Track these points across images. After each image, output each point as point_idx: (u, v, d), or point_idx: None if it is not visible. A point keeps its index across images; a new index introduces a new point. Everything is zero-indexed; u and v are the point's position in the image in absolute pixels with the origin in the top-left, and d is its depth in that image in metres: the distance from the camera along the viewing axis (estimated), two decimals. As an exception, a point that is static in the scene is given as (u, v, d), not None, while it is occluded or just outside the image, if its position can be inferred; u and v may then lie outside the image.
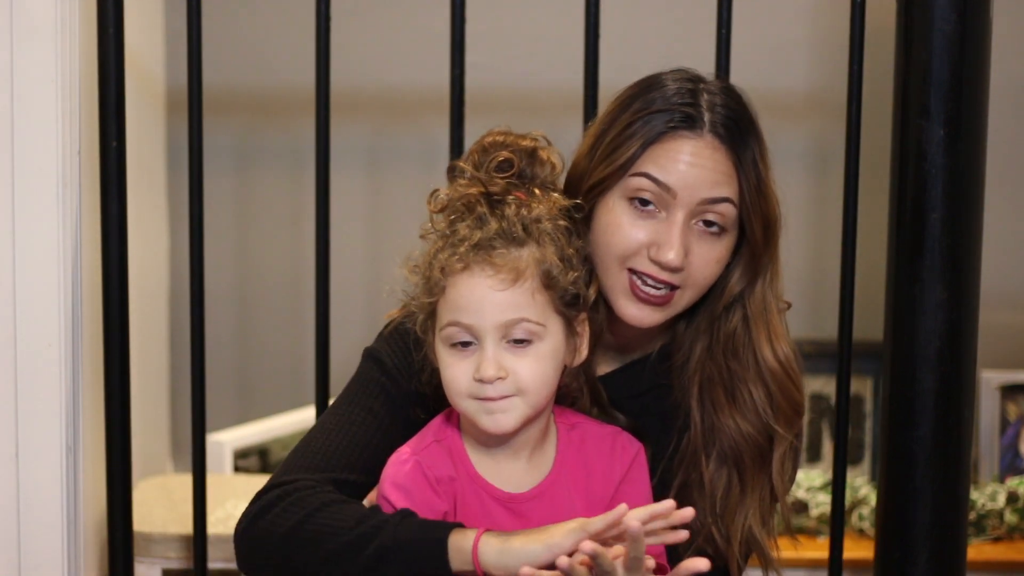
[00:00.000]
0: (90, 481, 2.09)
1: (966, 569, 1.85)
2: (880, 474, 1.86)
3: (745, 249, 1.70)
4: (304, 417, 2.89)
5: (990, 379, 2.96)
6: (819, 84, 3.00)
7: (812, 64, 3.01)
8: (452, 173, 1.66)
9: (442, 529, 1.55)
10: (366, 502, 1.66)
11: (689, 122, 1.66)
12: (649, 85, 1.71)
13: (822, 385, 2.89)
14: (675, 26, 2.96)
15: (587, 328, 1.63)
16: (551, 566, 1.49)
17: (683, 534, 1.50)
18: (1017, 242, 3.03)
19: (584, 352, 1.64)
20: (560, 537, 1.50)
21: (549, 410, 1.64)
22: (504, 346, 1.55)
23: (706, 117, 1.67)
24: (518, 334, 1.55)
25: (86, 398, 2.03)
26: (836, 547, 2.10)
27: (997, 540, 2.82)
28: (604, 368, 1.76)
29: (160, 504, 2.52)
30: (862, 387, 2.97)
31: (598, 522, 1.48)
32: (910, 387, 1.79)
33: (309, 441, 1.69)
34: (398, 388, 1.69)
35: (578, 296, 1.60)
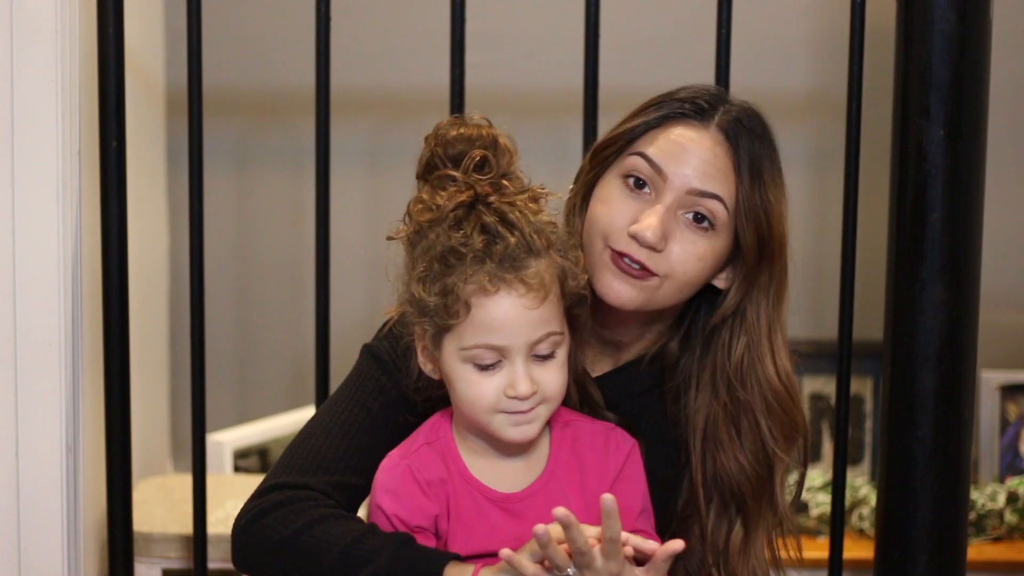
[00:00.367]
0: (90, 481, 2.09)
1: (966, 569, 1.85)
2: (880, 474, 1.86)
3: (740, 262, 1.69)
4: (304, 417, 2.87)
5: (990, 379, 2.96)
6: (819, 84, 3.00)
7: (812, 64, 3.01)
8: (426, 177, 1.60)
9: (438, 563, 1.54)
10: (364, 506, 1.66)
11: (699, 114, 1.67)
12: (679, 88, 1.72)
13: (822, 385, 2.89)
14: (675, 26, 2.97)
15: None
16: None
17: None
18: (1017, 242, 3.03)
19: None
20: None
21: None
22: (531, 360, 1.53)
23: (717, 115, 1.67)
24: (545, 349, 1.53)
25: (86, 398, 2.03)
26: (836, 547, 2.10)
27: (997, 540, 2.82)
28: (600, 369, 1.76)
29: (160, 504, 2.52)
30: (862, 387, 2.97)
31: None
32: (910, 387, 1.79)
33: (308, 438, 1.68)
34: (396, 388, 1.69)
35: (584, 297, 1.59)
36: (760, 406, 1.70)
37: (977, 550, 2.75)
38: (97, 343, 2.06)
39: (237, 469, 2.85)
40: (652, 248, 1.63)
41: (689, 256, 1.65)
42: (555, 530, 1.47)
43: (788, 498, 1.75)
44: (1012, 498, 2.81)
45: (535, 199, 1.57)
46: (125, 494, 2.07)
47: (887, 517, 1.83)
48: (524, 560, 1.49)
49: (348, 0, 2.49)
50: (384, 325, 1.74)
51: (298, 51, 2.53)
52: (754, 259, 1.67)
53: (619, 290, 1.65)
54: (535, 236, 1.52)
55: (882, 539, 1.85)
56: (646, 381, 1.75)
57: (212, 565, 2.21)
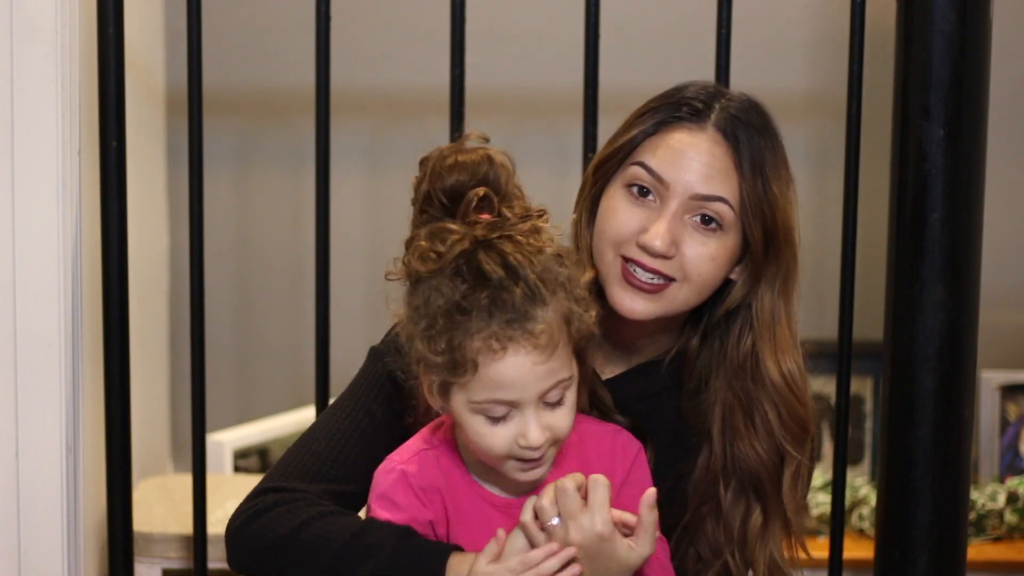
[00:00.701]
0: (90, 481, 2.09)
1: (966, 569, 1.85)
2: (880, 474, 1.86)
3: (748, 257, 1.69)
4: (304, 417, 2.89)
5: (990, 379, 2.96)
6: (819, 84, 3.00)
7: (812, 64, 3.01)
8: (423, 207, 1.54)
9: (441, 555, 1.53)
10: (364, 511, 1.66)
11: (695, 115, 1.66)
12: (675, 88, 1.72)
13: (822, 385, 2.89)
14: (675, 26, 2.96)
15: None
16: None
17: None
18: (1017, 242, 3.03)
19: None
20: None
21: None
22: (542, 406, 1.50)
23: (713, 113, 1.67)
24: (555, 396, 1.51)
25: (86, 398, 2.03)
26: (836, 547, 2.10)
27: (997, 540, 2.82)
28: (610, 371, 1.75)
29: (160, 504, 2.52)
30: (862, 387, 2.97)
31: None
32: (910, 387, 1.79)
33: (308, 443, 1.68)
34: (400, 392, 1.68)
35: (593, 334, 1.55)
36: (768, 401, 1.70)
37: (977, 550, 2.75)
38: (97, 343, 2.06)
39: (237, 469, 2.85)
40: (663, 256, 1.63)
41: (701, 258, 1.65)
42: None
43: (800, 498, 1.74)
44: (1012, 498, 2.81)
45: (537, 230, 1.53)
46: (125, 494, 2.07)
47: (887, 517, 1.83)
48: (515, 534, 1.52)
49: (348, 0, 2.49)
50: (392, 328, 1.73)
51: (298, 51, 2.53)
52: (761, 253, 1.68)
53: (633, 304, 1.65)
54: (540, 283, 1.48)
55: (882, 539, 1.85)
56: (659, 382, 1.75)
57: (212, 565, 2.21)
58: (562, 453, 1.63)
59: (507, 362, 1.47)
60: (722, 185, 1.65)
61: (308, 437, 1.69)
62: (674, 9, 2.98)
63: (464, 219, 1.51)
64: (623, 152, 1.68)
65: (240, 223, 3.07)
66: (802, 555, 1.77)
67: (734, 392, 1.71)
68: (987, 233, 1.83)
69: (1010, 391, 2.98)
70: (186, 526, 2.37)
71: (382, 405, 1.68)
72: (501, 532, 1.52)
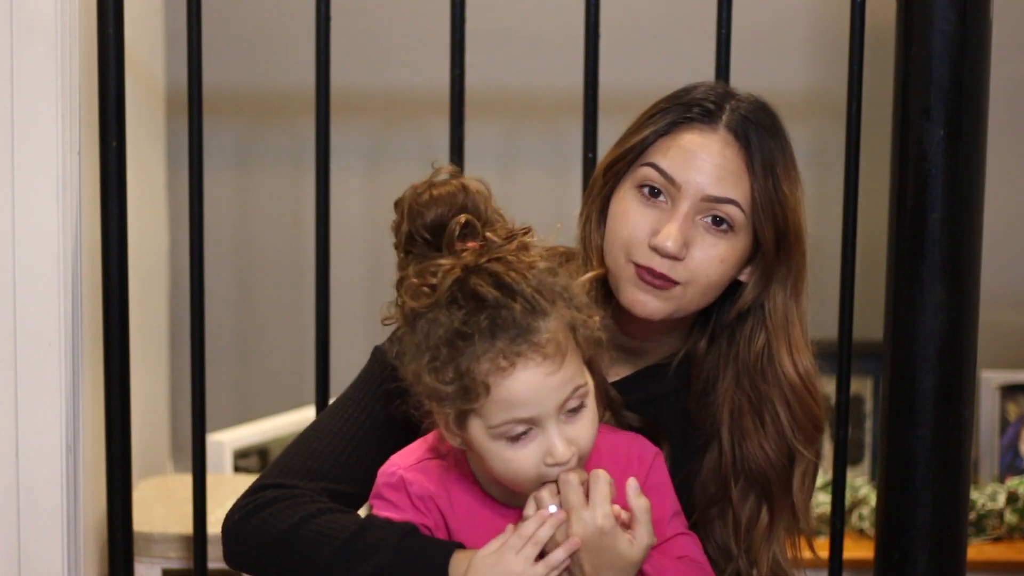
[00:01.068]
0: (90, 481, 2.09)
1: (966, 569, 1.85)
2: (880, 474, 1.86)
3: (759, 258, 1.69)
4: (304, 417, 2.89)
5: (990, 379, 2.96)
6: (819, 84, 3.00)
7: (812, 64, 3.01)
8: (407, 248, 1.54)
9: (443, 552, 1.53)
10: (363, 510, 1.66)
11: (706, 116, 1.66)
12: (684, 88, 1.71)
13: (822, 385, 2.89)
14: (675, 26, 2.97)
15: None
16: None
17: None
18: (1017, 242, 3.03)
19: None
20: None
21: None
22: (563, 419, 1.49)
23: (724, 114, 1.67)
24: (574, 404, 1.48)
25: (86, 398, 2.03)
26: (836, 547, 2.10)
27: (997, 540, 2.82)
28: (616, 374, 1.75)
29: (160, 504, 2.52)
30: (862, 387, 2.97)
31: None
32: (910, 387, 1.79)
33: (308, 442, 1.68)
34: (402, 393, 1.67)
35: (600, 340, 1.53)
36: (780, 399, 1.70)
37: (977, 550, 2.75)
38: (97, 343, 2.06)
39: (237, 469, 2.85)
40: (674, 258, 1.63)
41: (711, 260, 1.65)
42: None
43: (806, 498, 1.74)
44: (1012, 498, 2.81)
45: (525, 247, 1.51)
46: (125, 494, 2.07)
47: (887, 517, 1.83)
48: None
49: (348, 0, 2.49)
50: (398, 328, 1.72)
51: (298, 51, 2.53)
52: (773, 254, 1.68)
53: (645, 302, 1.65)
54: (538, 295, 1.46)
55: (882, 539, 1.84)
56: (666, 385, 1.75)
57: (212, 565, 2.21)
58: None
59: (518, 378, 1.45)
60: (734, 187, 1.65)
61: (308, 435, 1.69)
62: (674, 9, 2.98)
63: (450, 249, 1.50)
64: (634, 153, 1.68)
65: (240, 223, 3.07)
66: (808, 554, 1.77)
67: (743, 392, 1.71)
68: (987, 233, 1.83)
69: (1010, 391, 2.99)
70: (186, 526, 2.37)
71: (384, 408, 1.68)
72: (510, 527, 1.51)
